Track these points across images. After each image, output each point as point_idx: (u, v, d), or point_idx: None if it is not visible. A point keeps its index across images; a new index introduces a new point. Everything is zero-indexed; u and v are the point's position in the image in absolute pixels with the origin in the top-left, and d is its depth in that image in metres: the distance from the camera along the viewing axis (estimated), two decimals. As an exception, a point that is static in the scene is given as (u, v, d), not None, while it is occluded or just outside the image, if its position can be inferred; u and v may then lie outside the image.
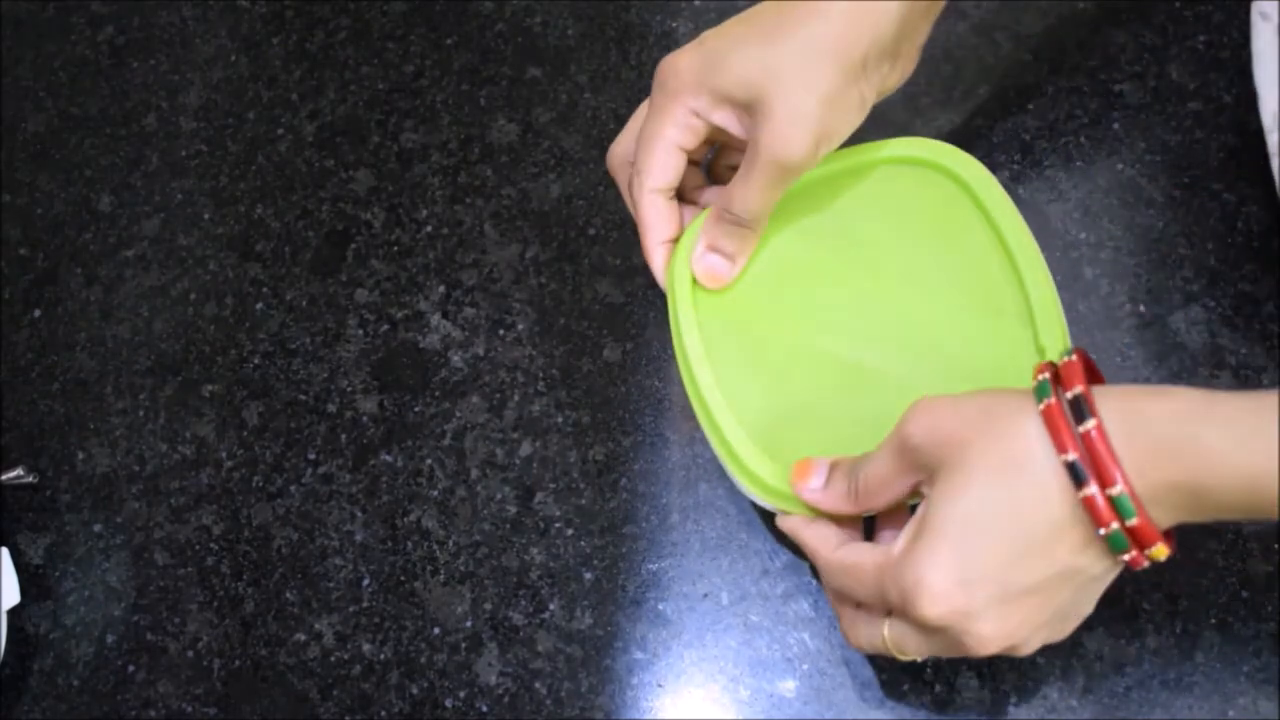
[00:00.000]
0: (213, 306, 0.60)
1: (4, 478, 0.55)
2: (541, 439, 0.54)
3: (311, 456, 0.55)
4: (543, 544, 0.52)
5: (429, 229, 0.60)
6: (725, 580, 0.50)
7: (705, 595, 0.50)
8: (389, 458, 0.55)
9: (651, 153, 0.47)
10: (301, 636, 0.52)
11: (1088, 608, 0.41)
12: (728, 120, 0.46)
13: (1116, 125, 0.57)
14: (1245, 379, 0.51)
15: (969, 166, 0.49)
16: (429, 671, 0.51)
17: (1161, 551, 0.37)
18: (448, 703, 0.50)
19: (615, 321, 0.56)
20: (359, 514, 0.54)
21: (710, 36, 0.46)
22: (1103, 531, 0.36)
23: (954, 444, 0.38)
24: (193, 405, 0.58)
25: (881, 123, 0.51)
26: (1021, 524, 0.37)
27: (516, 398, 0.55)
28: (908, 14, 0.44)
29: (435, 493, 0.54)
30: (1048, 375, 0.38)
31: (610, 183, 0.59)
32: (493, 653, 0.51)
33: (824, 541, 0.43)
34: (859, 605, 0.43)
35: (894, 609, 0.40)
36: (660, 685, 0.49)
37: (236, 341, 0.59)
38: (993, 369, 0.45)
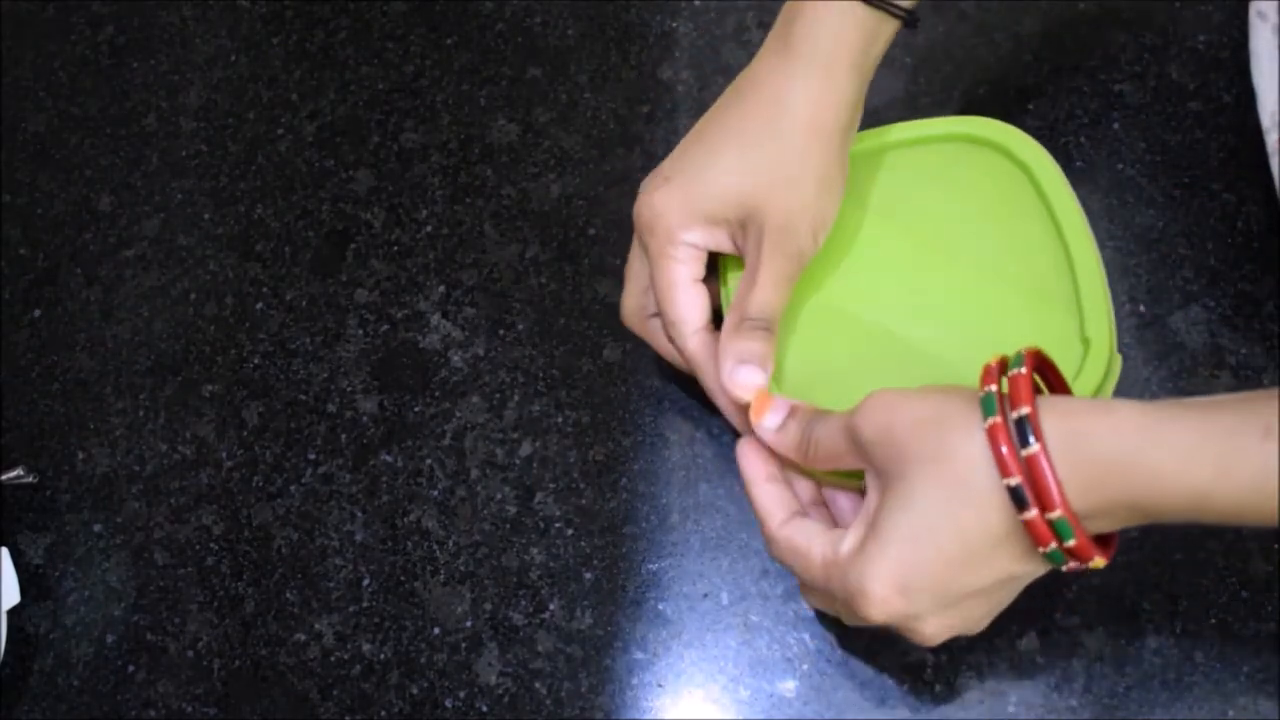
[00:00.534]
0: (213, 306, 0.60)
1: (4, 478, 0.55)
2: (541, 439, 0.54)
3: (311, 456, 0.55)
4: (543, 544, 0.52)
5: (429, 229, 0.60)
6: (725, 580, 0.50)
7: (705, 595, 0.50)
8: (389, 458, 0.55)
9: (675, 303, 0.47)
10: (301, 636, 0.52)
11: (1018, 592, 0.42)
12: (723, 241, 0.46)
13: (1116, 125, 0.57)
14: (1245, 379, 0.51)
15: (1031, 150, 0.48)
16: (429, 671, 0.51)
17: (1099, 563, 0.37)
18: (448, 703, 0.50)
19: (615, 321, 0.56)
20: (359, 514, 0.54)
21: (677, 166, 0.46)
22: (1042, 550, 0.37)
23: (903, 455, 0.38)
24: (193, 405, 0.58)
25: (879, 121, 0.51)
26: (964, 537, 0.37)
27: (516, 398, 0.55)
28: (866, 65, 0.45)
29: (435, 493, 0.54)
30: (994, 389, 0.37)
31: (610, 182, 0.59)
32: (493, 653, 0.51)
33: (775, 507, 0.43)
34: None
35: (839, 601, 0.41)
36: (660, 685, 0.49)
37: (236, 341, 0.59)
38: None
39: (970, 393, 0.38)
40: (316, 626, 0.52)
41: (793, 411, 0.43)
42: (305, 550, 0.54)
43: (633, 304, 0.50)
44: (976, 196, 0.48)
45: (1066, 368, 0.43)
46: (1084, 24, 0.59)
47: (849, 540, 0.40)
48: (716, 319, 0.48)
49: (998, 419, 0.36)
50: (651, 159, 0.59)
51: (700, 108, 0.51)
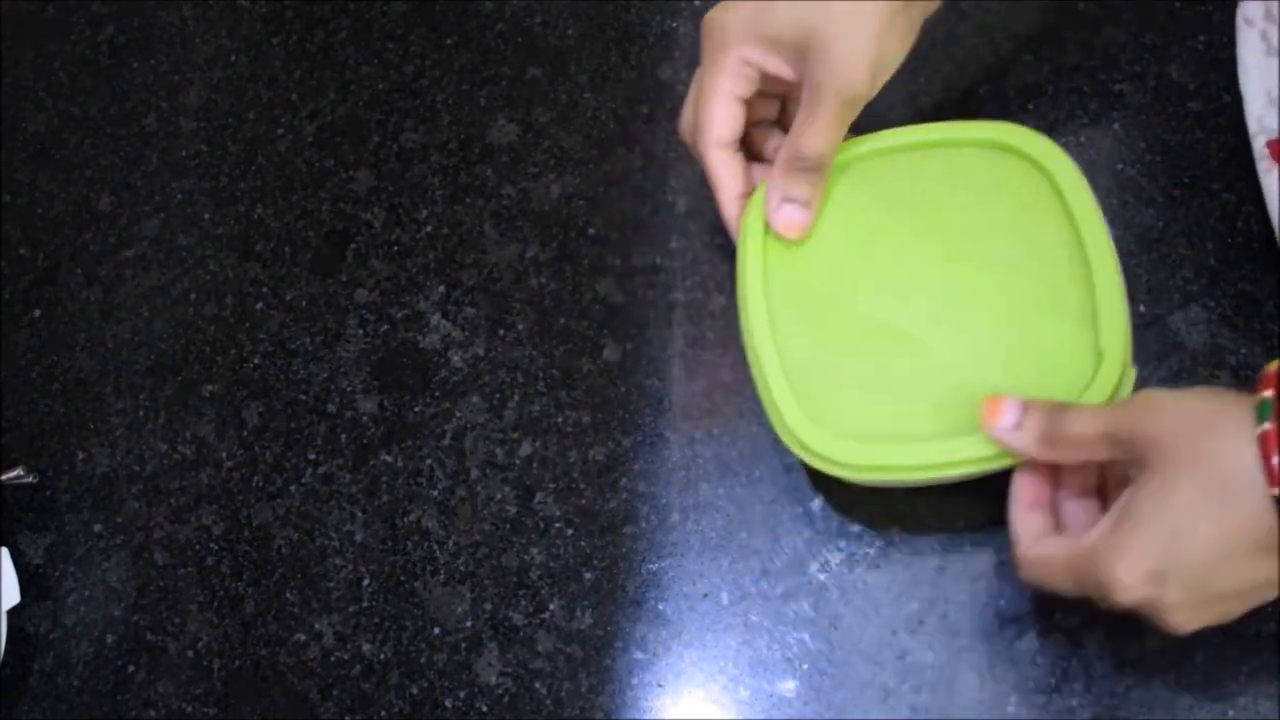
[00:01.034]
0: (213, 306, 0.60)
1: (4, 478, 0.55)
2: (541, 439, 0.54)
3: (311, 456, 0.55)
4: (543, 544, 0.52)
5: (429, 229, 0.60)
6: (725, 580, 0.50)
7: (705, 595, 0.50)
8: (389, 458, 0.55)
9: (709, 107, 0.47)
10: (301, 636, 0.52)
11: None
12: (780, 65, 0.46)
13: (1116, 125, 0.57)
14: (1245, 379, 0.51)
15: (1057, 158, 0.48)
16: (429, 671, 0.51)
17: None
18: (448, 703, 0.50)
19: (615, 321, 0.56)
20: (359, 514, 0.54)
21: None
22: None
23: (1167, 445, 0.38)
24: (193, 405, 0.58)
25: (880, 122, 0.51)
26: (1226, 540, 0.37)
27: (516, 398, 0.55)
28: None
29: (435, 493, 0.54)
30: (1271, 394, 0.37)
31: (610, 182, 0.59)
32: (493, 653, 0.50)
33: (1032, 530, 0.43)
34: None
35: (1090, 593, 0.41)
36: (660, 685, 0.49)
37: (236, 341, 0.59)
38: (1048, 366, 0.45)
39: (1244, 398, 0.38)
40: (316, 626, 0.52)
41: (1027, 409, 0.43)
42: (305, 550, 0.54)
43: (686, 115, 0.50)
44: (1000, 202, 0.48)
45: (1077, 379, 0.44)
46: (1084, 24, 0.59)
47: (1098, 529, 0.40)
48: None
49: (1271, 426, 0.36)
50: (651, 159, 0.59)
51: (700, 108, 0.51)
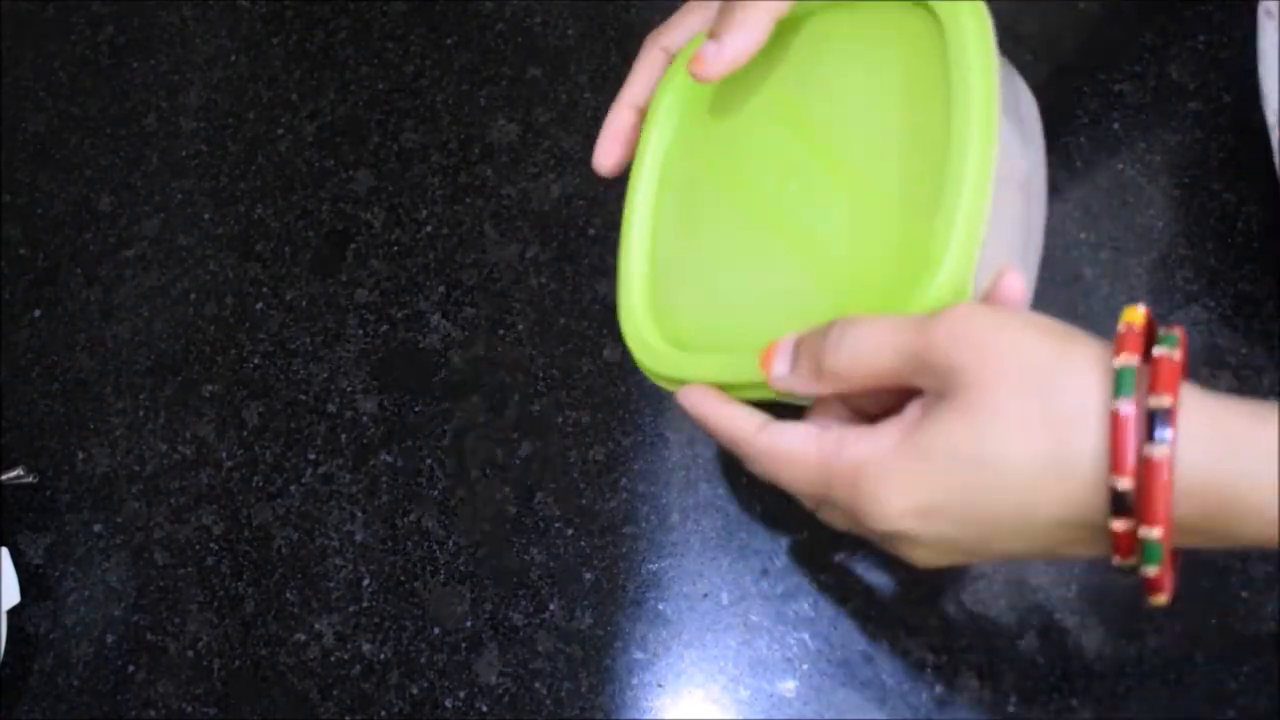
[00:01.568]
0: (213, 306, 0.60)
1: (4, 478, 0.55)
2: (541, 439, 0.54)
3: (311, 456, 0.55)
4: (543, 544, 0.52)
5: (429, 229, 0.60)
6: (725, 580, 0.50)
7: (705, 595, 0.50)
8: (389, 458, 0.55)
9: (680, 17, 0.45)
10: (301, 636, 0.52)
11: None
12: None
13: (1116, 125, 0.57)
14: (1245, 379, 0.51)
15: (961, 21, 0.37)
16: (429, 671, 0.51)
17: (1160, 600, 0.33)
18: (448, 703, 0.50)
19: (615, 321, 0.56)
20: (359, 514, 0.54)
21: None
22: (1116, 561, 0.33)
23: (989, 385, 0.32)
24: (193, 405, 0.58)
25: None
26: (1031, 508, 0.32)
27: (516, 398, 0.55)
28: None
29: (435, 493, 0.54)
30: (1134, 360, 0.31)
31: (610, 182, 0.59)
32: (493, 653, 0.50)
33: (744, 423, 0.38)
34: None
35: (834, 502, 0.36)
36: (660, 685, 0.49)
37: (236, 341, 0.59)
38: (863, 281, 0.38)
39: (1093, 349, 0.32)
40: (316, 626, 0.52)
41: (798, 346, 0.37)
42: (305, 550, 0.54)
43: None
44: (884, 75, 0.40)
45: (882, 293, 0.37)
46: (1084, 24, 0.59)
47: (873, 441, 0.34)
48: None
49: (1130, 408, 0.30)
50: (651, 159, 0.59)
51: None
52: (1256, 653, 0.46)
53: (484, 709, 0.50)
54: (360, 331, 0.58)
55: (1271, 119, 0.50)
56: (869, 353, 0.34)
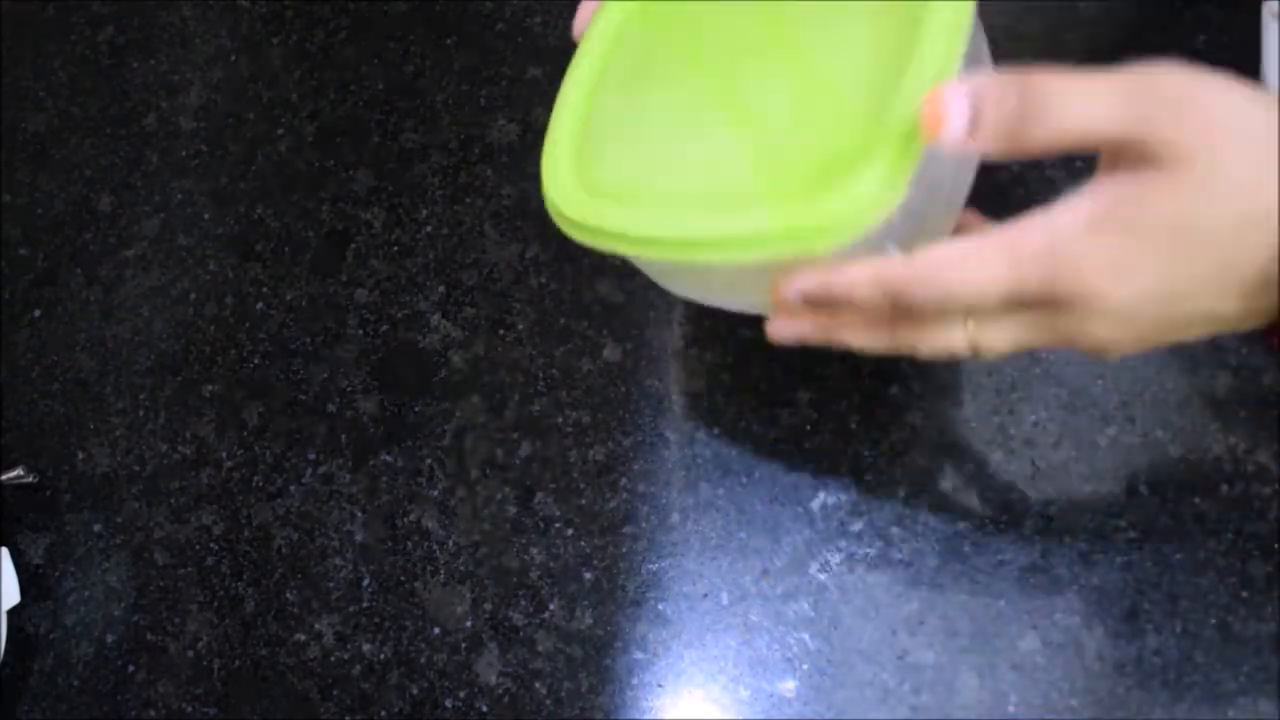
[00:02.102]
0: (213, 306, 0.60)
1: (4, 478, 0.55)
2: (541, 439, 0.54)
3: (311, 456, 0.55)
4: (543, 544, 0.52)
5: (429, 229, 0.60)
6: (725, 580, 0.50)
7: (705, 595, 0.50)
8: (389, 458, 0.55)
9: None
10: (301, 636, 0.52)
11: None
12: None
13: (1116, 125, 0.57)
14: (1245, 379, 0.51)
15: None
16: (429, 671, 0.51)
17: None
18: (448, 703, 0.50)
19: (615, 321, 0.56)
20: (359, 514, 0.54)
21: None
22: None
23: (1208, 157, 0.31)
24: (193, 405, 0.58)
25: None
26: (1227, 263, 0.32)
27: (516, 398, 0.55)
28: None
29: (435, 493, 0.54)
30: None
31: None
32: (493, 653, 0.50)
33: (883, 262, 0.35)
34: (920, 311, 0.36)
35: (1026, 292, 0.33)
36: (660, 685, 0.49)
37: (236, 341, 0.59)
38: (796, 167, 0.38)
39: None
40: (316, 626, 0.52)
41: (979, 96, 0.33)
42: (305, 550, 0.54)
43: None
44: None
45: (811, 181, 0.36)
46: (1084, 24, 0.59)
47: (1069, 210, 0.33)
48: None
49: None
50: (651, 159, 0.59)
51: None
52: (1256, 653, 0.46)
53: (484, 709, 0.50)
54: (360, 331, 0.58)
55: None
56: (1084, 125, 0.32)
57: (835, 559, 0.50)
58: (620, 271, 0.57)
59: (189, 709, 0.51)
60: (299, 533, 0.54)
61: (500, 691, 0.50)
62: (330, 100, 0.64)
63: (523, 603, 0.51)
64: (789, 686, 0.48)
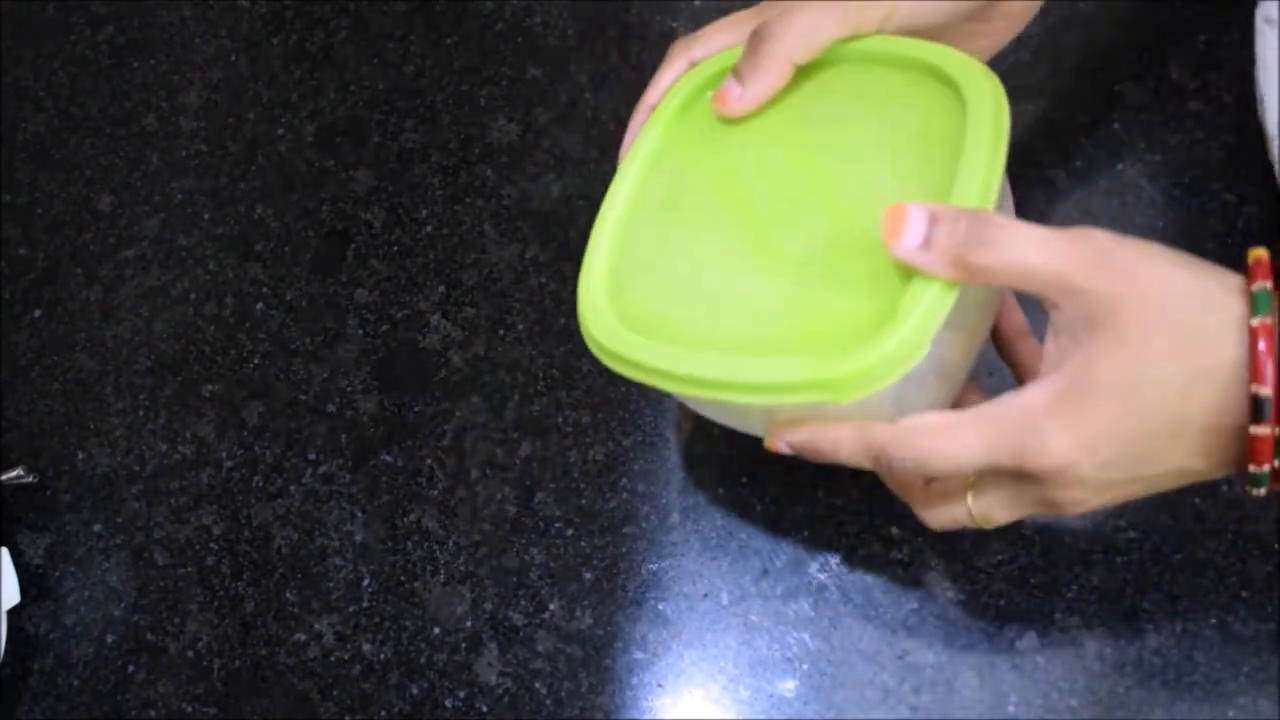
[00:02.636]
0: (213, 306, 0.60)
1: (4, 478, 0.55)
2: (541, 439, 0.54)
3: (311, 456, 0.55)
4: (543, 544, 0.52)
5: (429, 229, 0.60)
6: (725, 580, 0.50)
7: (705, 595, 0.50)
8: (389, 458, 0.55)
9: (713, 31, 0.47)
10: (301, 636, 0.52)
11: None
12: None
13: (1116, 125, 0.57)
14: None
15: (982, 98, 0.40)
16: (429, 671, 0.51)
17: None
18: (448, 703, 0.50)
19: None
20: (359, 514, 0.54)
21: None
22: (1251, 468, 0.35)
23: (1133, 307, 0.34)
24: (193, 405, 0.58)
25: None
26: (1185, 416, 0.35)
27: (516, 398, 0.55)
28: None
29: (435, 493, 0.54)
30: (1269, 285, 0.34)
31: (610, 182, 0.59)
32: (493, 653, 0.51)
33: (870, 428, 0.38)
34: (930, 483, 0.41)
35: (997, 463, 0.37)
36: (660, 685, 0.49)
37: (236, 341, 0.59)
38: (826, 313, 0.39)
39: (1226, 277, 0.35)
40: (316, 626, 0.52)
41: (936, 219, 0.36)
42: (305, 550, 0.54)
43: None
44: (896, 128, 0.42)
45: (840, 329, 0.38)
46: (1084, 24, 0.59)
47: (1037, 388, 0.36)
48: None
49: (1270, 319, 0.34)
50: (651, 159, 0.59)
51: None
52: (1256, 653, 0.46)
53: (484, 709, 0.50)
54: (360, 331, 0.58)
55: (1271, 129, 0.50)
56: (1018, 257, 0.35)
57: (835, 559, 0.50)
58: (620, 271, 0.57)
59: (189, 709, 0.51)
60: (299, 533, 0.54)
61: (500, 691, 0.50)
62: (330, 100, 0.64)
63: (523, 603, 0.51)
64: (789, 686, 0.48)
